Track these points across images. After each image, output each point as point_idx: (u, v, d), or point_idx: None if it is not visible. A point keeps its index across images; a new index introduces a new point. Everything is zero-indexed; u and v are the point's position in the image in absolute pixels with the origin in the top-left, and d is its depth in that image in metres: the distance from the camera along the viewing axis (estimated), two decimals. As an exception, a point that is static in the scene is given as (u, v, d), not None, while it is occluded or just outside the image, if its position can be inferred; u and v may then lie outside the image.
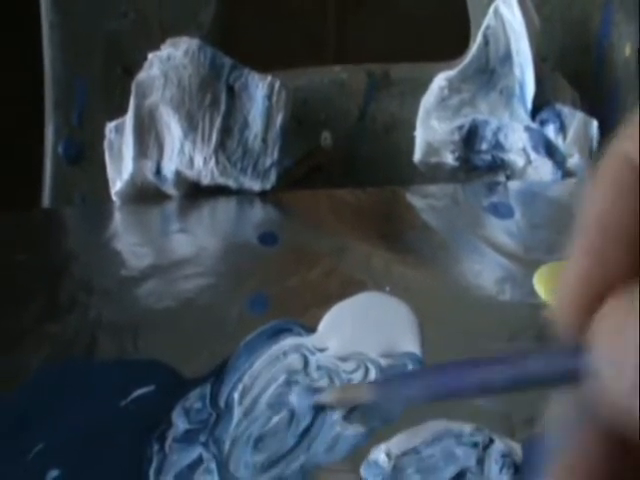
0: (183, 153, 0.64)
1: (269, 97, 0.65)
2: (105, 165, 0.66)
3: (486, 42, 0.69)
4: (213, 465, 0.45)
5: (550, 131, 0.67)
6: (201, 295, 0.56)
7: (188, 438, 0.47)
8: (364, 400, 0.24)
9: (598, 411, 0.21)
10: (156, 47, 0.66)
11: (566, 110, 0.68)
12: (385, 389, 0.24)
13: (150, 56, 0.66)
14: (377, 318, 0.54)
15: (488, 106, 0.69)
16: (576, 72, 0.72)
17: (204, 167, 0.64)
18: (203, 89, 0.65)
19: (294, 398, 0.49)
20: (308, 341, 0.52)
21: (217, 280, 0.58)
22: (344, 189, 0.67)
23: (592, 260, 0.22)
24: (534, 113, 0.68)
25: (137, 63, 0.67)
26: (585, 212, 0.22)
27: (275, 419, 0.48)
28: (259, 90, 0.65)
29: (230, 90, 0.65)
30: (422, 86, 0.70)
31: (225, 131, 0.65)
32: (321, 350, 0.52)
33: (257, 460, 0.46)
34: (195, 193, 0.66)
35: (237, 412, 0.48)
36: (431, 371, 0.23)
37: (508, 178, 0.70)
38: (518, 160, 0.69)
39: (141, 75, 0.65)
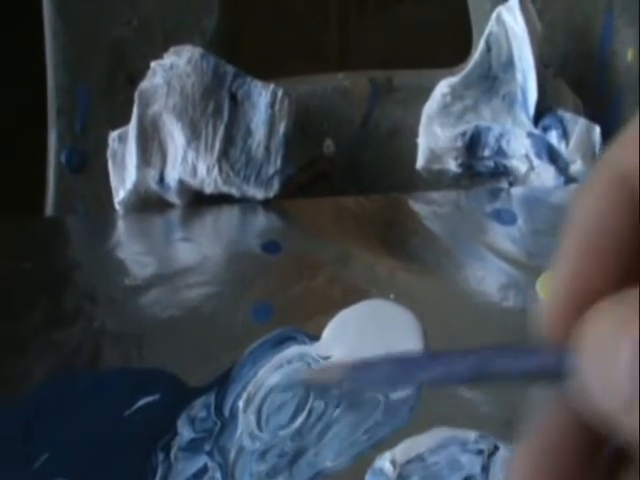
0: (186, 162, 0.64)
1: (272, 105, 0.65)
2: (108, 174, 0.66)
3: (488, 48, 0.69)
4: (218, 474, 0.45)
5: (553, 137, 0.67)
6: (205, 304, 0.56)
7: (193, 447, 0.47)
8: (337, 381, 0.24)
9: (577, 407, 0.21)
10: (159, 55, 0.66)
11: (568, 116, 0.68)
12: (358, 372, 0.24)
13: (153, 65, 0.66)
14: (381, 326, 0.54)
15: (491, 112, 0.69)
16: (578, 78, 0.72)
17: (207, 175, 0.64)
18: (206, 97, 0.65)
19: None
20: (312, 349, 0.52)
21: (221, 289, 0.58)
22: (347, 197, 0.67)
23: (581, 265, 0.21)
24: (537, 119, 0.68)
25: (140, 71, 0.67)
26: (574, 220, 0.22)
27: (280, 428, 0.48)
28: (262, 98, 0.65)
29: (233, 98, 0.65)
30: (425, 93, 0.70)
31: (228, 139, 0.65)
32: (325, 358, 0.52)
33: (262, 469, 0.46)
34: (198, 202, 0.66)
35: (242, 421, 0.48)
36: (404, 359, 0.24)
37: (511, 184, 0.70)
38: (521, 166, 0.69)
39: (144, 84, 0.65)
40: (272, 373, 0.51)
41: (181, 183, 0.65)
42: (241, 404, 0.49)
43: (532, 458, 0.22)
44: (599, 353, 0.20)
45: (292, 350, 0.52)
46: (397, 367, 0.23)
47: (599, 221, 0.22)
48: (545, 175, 0.68)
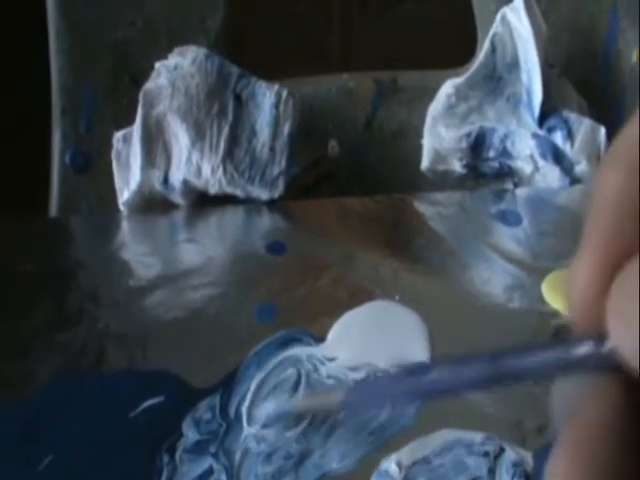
0: (191, 162, 0.64)
1: (276, 106, 0.65)
2: (112, 174, 0.66)
3: (493, 49, 0.69)
4: (224, 476, 0.45)
5: (558, 138, 0.67)
6: (210, 305, 0.56)
7: (198, 449, 0.47)
8: (335, 407, 0.24)
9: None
10: (164, 55, 0.66)
11: (573, 117, 0.68)
12: (358, 394, 0.24)
13: (157, 65, 0.66)
14: (386, 327, 0.54)
15: (495, 113, 0.69)
16: (583, 79, 0.72)
17: (212, 176, 0.64)
18: (210, 98, 0.64)
19: None
20: (317, 351, 0.52)
21: (225, 290, 0.58)
22: (352, 197, 0.67)
23: (608, 240, 0.21)
24: (541, 120, 0.68)
25: (145, 71, 0.67)
26: (597, 194, 0.22)
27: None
28: (266, 99, 0.65)
29: (237, 99, 0.65)
30: (429, 93, 0.70)
31: (233, 140, 0.65)
32: (330, 359, 0.51)
33: (268, 471, 0.45)
34: (203, 202, 0.66)
35: (247, 423, 0.48)
36: (404, 373, 0.23)
37: (516, 185, 0.70)
38: (526, 167, 0.68)
39: (149, 84, 0.65)
40: (278, 375, 0.50)
41: (185, 184, 0.65)
42: (246, 406, 0.49)
43: (572, 454, 0.21)
44: (629, 309, 0.19)
45: (297, 351, 0.52)
46: (398, 383, 0.22)
47: (621, 197, 0.21)
48: (550, 176, 0.68)
